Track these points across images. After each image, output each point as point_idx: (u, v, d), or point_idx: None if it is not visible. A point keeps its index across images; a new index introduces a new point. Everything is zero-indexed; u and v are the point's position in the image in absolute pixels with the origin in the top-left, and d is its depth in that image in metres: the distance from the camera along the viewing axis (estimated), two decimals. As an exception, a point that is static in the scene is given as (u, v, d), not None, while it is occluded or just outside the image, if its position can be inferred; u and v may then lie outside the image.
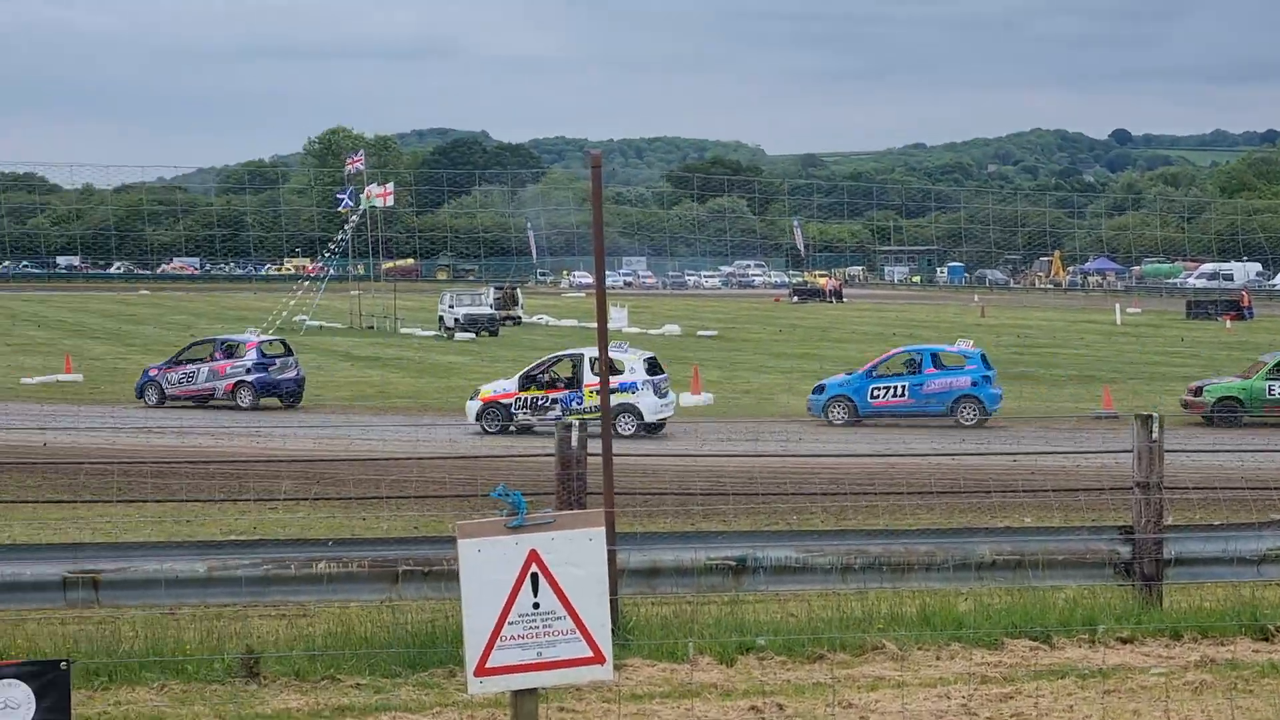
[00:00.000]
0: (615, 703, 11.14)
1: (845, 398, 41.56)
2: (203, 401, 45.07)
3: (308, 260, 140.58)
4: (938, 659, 12.60)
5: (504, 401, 39.71)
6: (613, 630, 8.32)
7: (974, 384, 41.61)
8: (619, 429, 37.18)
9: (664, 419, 39.67)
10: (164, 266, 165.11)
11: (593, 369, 38.82)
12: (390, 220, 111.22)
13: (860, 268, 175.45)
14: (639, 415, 38.96)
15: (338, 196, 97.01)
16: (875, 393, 41.69)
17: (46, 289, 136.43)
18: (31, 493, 27.16)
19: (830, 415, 41.21)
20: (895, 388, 41.71)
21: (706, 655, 12.47)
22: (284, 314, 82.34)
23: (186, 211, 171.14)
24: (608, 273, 22.06)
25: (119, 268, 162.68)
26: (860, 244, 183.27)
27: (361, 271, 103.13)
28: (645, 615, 13.72)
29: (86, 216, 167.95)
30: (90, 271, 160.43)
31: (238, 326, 65.31)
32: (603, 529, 8.09)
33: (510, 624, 7.91)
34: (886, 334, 75.26)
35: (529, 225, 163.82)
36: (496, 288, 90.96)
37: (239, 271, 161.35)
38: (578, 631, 7.97)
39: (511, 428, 39.30)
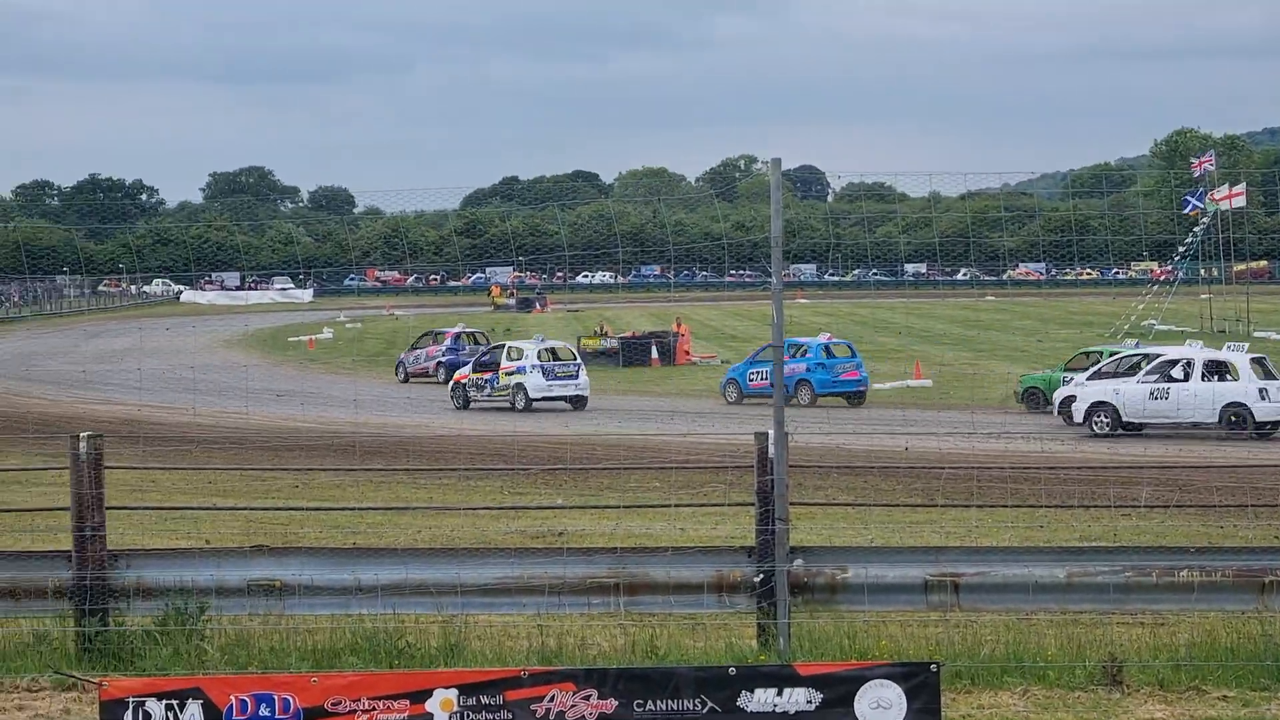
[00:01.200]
0: None
1: (734, 380, 51.50)
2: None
3: (1155, 264, 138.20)
4: None
5: (463, 381, 51.46)
6: None
7: (808, 369, 50.03)
8: (515, 403, 49.97)
9: (550, 396, 49.99)
10: (1010, 272, 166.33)
11: (509, 356, 50.60)
12: (1240, 221, 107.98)
13: None
14: (526, 393, 49.71)
15: (1185, 199, 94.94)
16: (752, 377, 50.52)
17: (895, 296, 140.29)
18: (887, 495, 27.89)
19: (726, 395, 51.36)
20: (762, 372, 49.12)
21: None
22: (1132, 318, 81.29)
23: (1031, 216, 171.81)
24: None
25: (965, 274, 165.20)
26: None
27: (1213, 274, 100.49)
28: None
29: (934, 224, 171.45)
30: (937, 278, 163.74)
31: (1089, 333, 64.77)
32: None
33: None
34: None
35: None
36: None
37: (1085, 276, 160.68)
38: None
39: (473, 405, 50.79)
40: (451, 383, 52.36)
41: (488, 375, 50.62)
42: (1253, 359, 40.13)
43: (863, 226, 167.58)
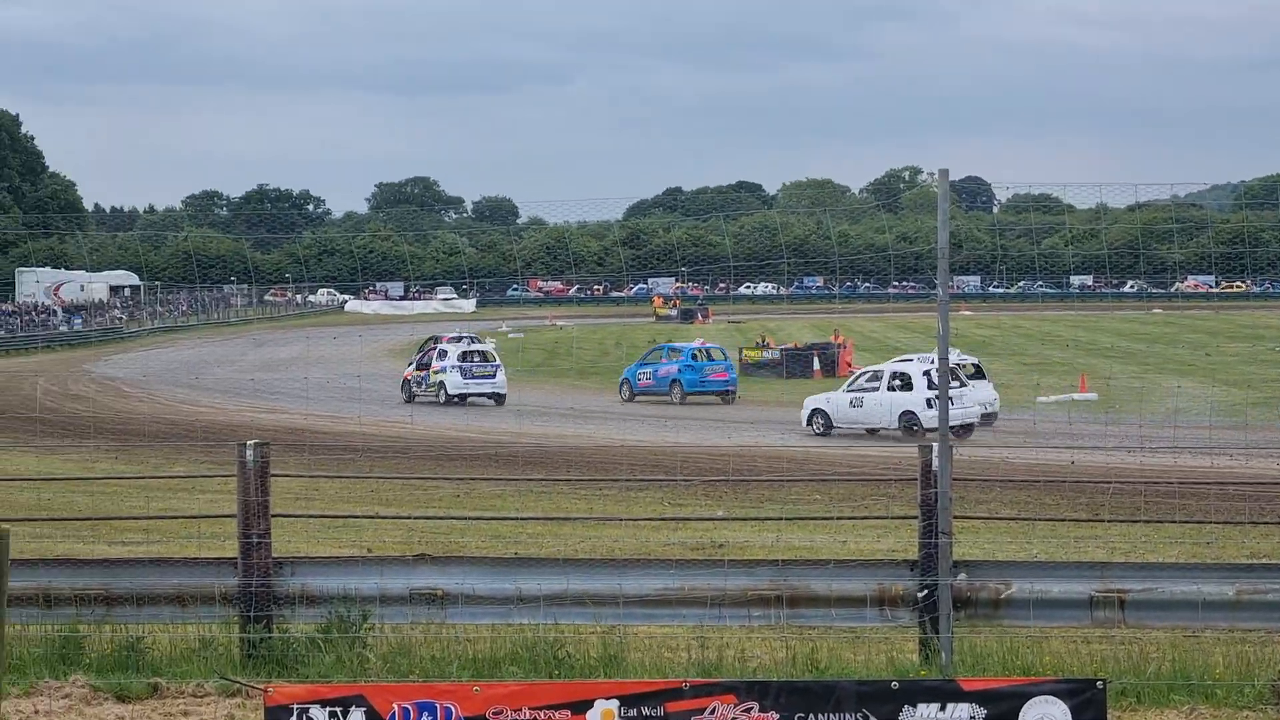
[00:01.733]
0: None
1: (627, 380, 58.49)
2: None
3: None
4: None
5: (409, 378, 58.06)
6: None
7: (679, 371, 57.09)
8: (439, 398, 56.19)
9: (468, 393, 55.86)
10: (1178, 285, 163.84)
11: (438, 357, 57.14)
12: None
13: None
14: (446, 389, 56.08)
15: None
16: (641, 377, 58.14)
17: (1061, 308, 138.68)
18: (1051, 510, 27.56)
19: (621, 393, 58.07)
20: (647, 373, 57.98)
21: None
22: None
23: (1201, 228, 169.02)
24: None
25: (1132, 286, 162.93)
26: None
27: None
28: None
29: (1102, 236, 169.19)
30: (1104, 291, 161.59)
31: (1260, 346, 63.61)
32: None
33: None
34: None
35: None
36: None
37: (1255, 289, 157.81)
38: None
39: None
40: (403, 379, 59.01)
41: (423, 373, 57.51)
42: (929, 370, 43.31)
43: (1028, 238, 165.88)
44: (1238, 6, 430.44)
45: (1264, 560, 18.04)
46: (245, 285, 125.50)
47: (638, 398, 57.27)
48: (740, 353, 69.98)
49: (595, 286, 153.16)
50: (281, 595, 14.02)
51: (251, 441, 14.21)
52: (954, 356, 50.38)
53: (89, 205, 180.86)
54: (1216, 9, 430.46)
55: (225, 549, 15.40)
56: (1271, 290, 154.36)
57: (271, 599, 13.96)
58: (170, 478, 31.42)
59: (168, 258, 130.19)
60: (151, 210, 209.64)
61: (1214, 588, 13.29)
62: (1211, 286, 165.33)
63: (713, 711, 10.24)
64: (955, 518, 13.86)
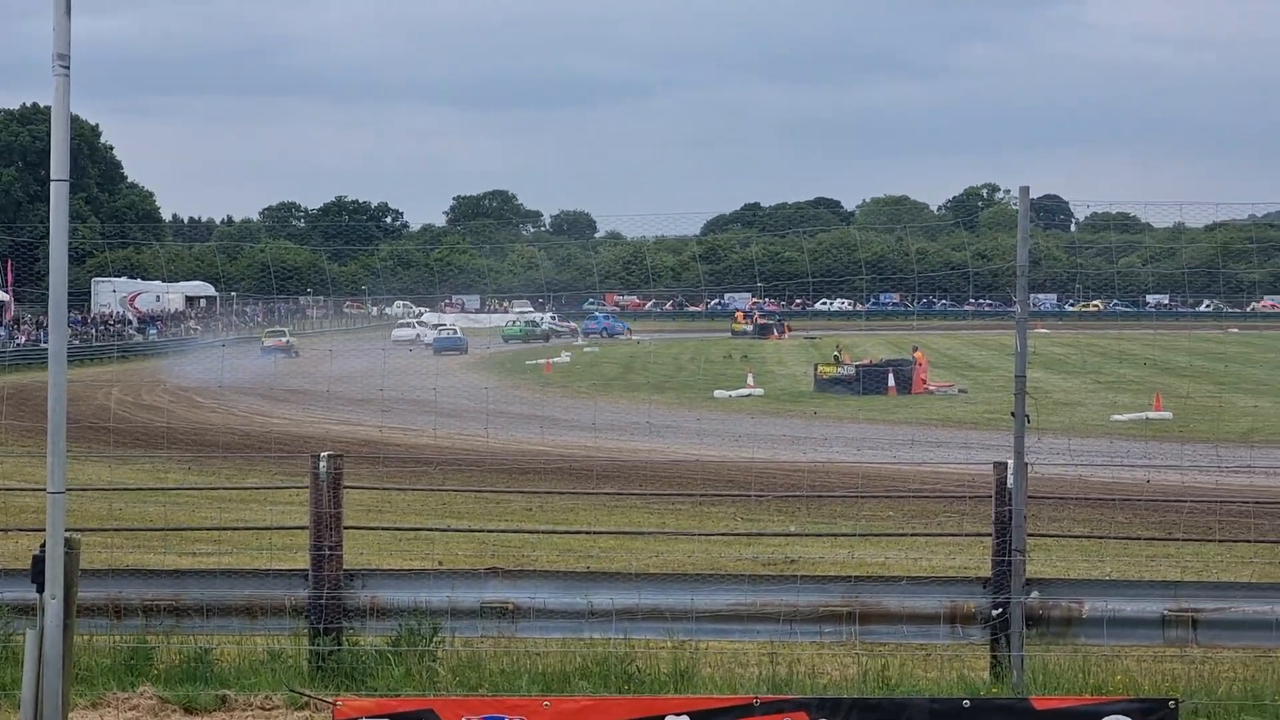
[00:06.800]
0: None
1: None
2: None
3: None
4: None
5: None
6: None
7: None
8: None
9: None
10: (1255, 305, 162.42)
11: None
12: None
13: None
14: None
15: None
16: None
17: (1136, 327, 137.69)
18: (1124, 528, 27.36)
19: None
20: None
21: None
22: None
23: (1277, 249, 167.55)
24: None
25: (1208, 306, 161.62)
26: None
27: None
28: None
29: (1179, 255, 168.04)
30: (1179, 310, 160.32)
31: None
32: None
33: None
34: None
35: None
36: None
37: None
38: None
39: None
40: None
41: None
42: None
43: (1105, 256, 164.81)
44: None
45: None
46: (321, 297, 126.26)
47: None
48: (815, 368, 69.75)
49: (671, 301, 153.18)
50: (352, 607, 14.08)
51: (325, 453, 14.28)
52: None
53: (166, 216, 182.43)
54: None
55: (296, 560, 15.47)
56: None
57: (341, 611, 14.02)
58: (243, 488, 31.60)
59: (244, 269, 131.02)
60: (229, 221, 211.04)
61: (1288, 608, 13.20)
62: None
63: (783, 728, 10.22)
64: (1029, 535, 13.79)
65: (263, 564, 17.19)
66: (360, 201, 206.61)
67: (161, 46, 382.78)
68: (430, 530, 24.39)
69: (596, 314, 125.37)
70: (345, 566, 14.19)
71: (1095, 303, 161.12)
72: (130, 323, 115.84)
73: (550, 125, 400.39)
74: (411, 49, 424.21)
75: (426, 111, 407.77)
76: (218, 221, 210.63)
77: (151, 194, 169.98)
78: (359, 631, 14.08)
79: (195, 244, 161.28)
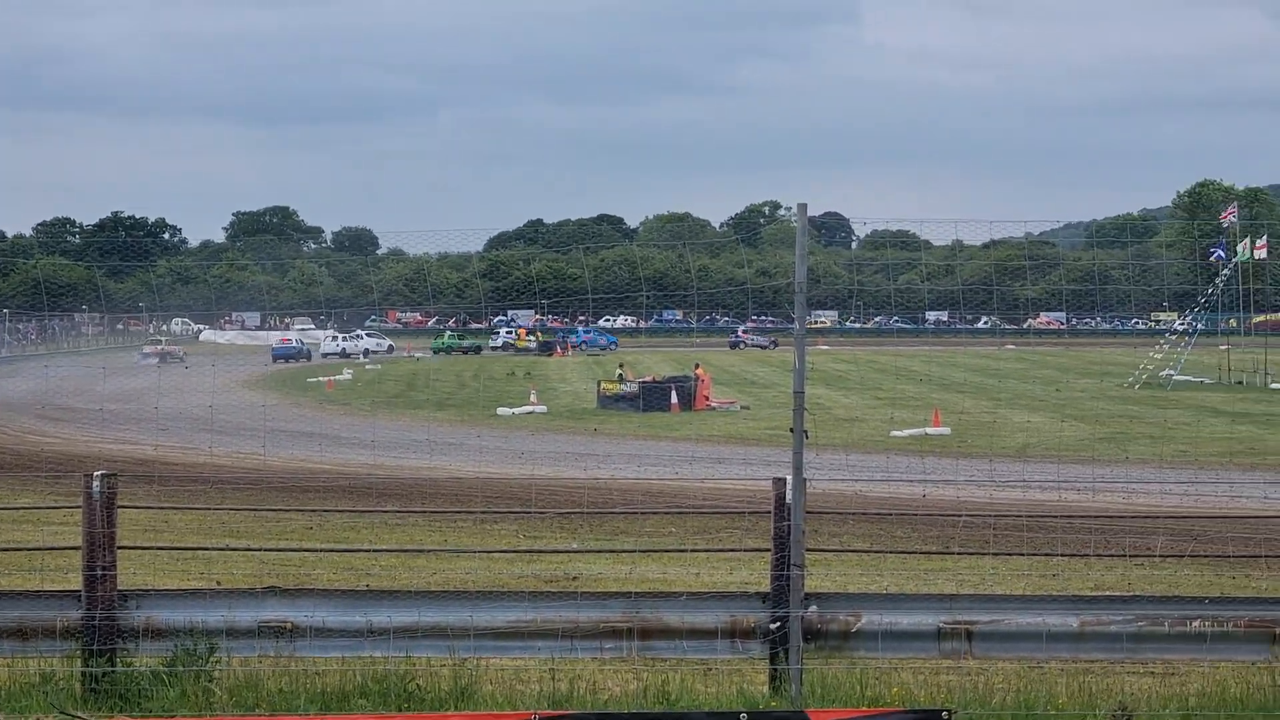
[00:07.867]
0: None
1: None
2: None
3: (1174, 314, 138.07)
4: None
5: None
6: None
7: None
8: None
9: None
10: (1031, 321, 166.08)
11: None
12: (1260, 273, 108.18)
13: None
14: None
15: (1210, 250, 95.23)
16: None
17: (916, 343, 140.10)
18: (902, 543, 27.81)
19: None
20: None
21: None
22: (1149, 368, 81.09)
23: (1054, 266, 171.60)
24: None
25: (986, 322, 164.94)
26: None
27: (1232, 325, 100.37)
28: None
29: (957, 272, 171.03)
30: (958, 326, 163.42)
31: (1107, 382, 64.51)
32: None
33: None
34: None
35: None
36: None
37: (1105, 326, 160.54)
38: None
39: None
40: None
41: None
42: None
43: (885, 274, 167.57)
44: (1096, 53, 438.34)
45: (1107, 592, 18.32)
46: (97, 314, 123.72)
47: None
48: (599, 385, 69.97)
49: (453, 319, 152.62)
50: (126, 628, 13.81)
51: (98, 473, 14.00)
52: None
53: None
54: (1077, 55, 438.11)
55: (70, 581, 15.14)
56: (1120, 327, 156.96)
57: (115, 632, 13.75)
58: (14, 508, 30.83)
59: (16, 285, 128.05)
60: (1, 237, 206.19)
61: (1058, 619, 13.50)
62: (1063, 323, 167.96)
63: (561, 744, 10.21)
64: (808, 550, 13.94)
65: (35, 586, 16.78)
66: (137, 217, 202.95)
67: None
68: (208, 550, 24.05)
69: (578, 329, 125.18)
70: (120, 587, 13.92)
71: (877, 319, 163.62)
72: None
73: (329, 141, 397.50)
74: (188, 62, 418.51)
75: (202, 126, 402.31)
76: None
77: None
78: (133, 653, 13.82)
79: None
